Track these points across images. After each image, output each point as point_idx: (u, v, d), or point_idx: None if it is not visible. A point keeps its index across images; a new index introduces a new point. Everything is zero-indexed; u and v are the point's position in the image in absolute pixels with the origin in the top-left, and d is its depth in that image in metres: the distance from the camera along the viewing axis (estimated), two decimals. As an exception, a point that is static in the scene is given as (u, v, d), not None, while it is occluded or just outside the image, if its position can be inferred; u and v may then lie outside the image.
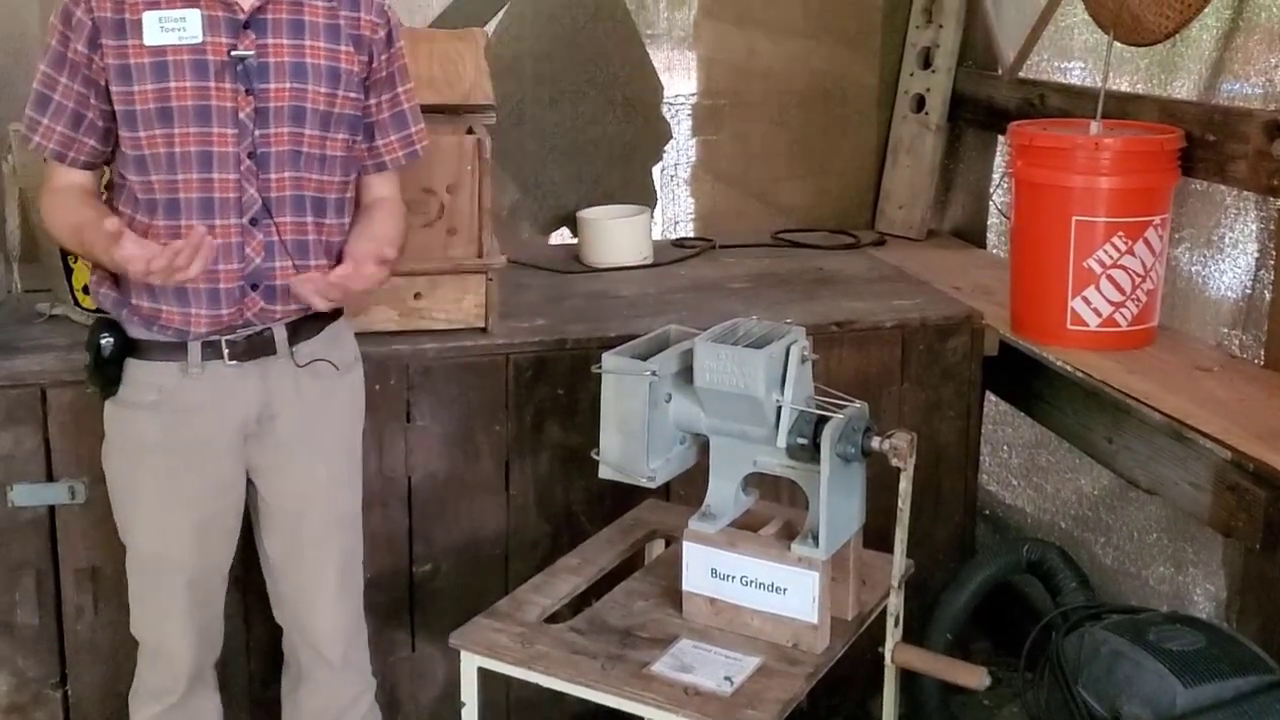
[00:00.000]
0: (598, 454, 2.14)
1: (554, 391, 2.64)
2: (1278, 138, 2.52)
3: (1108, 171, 2.69)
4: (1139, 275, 2.72)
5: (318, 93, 2.01)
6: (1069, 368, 2.79)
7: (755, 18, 3.69)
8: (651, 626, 2.10)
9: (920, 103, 3.74)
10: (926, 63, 3.74)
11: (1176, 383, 2.58)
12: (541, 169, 3.57)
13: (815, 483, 1.99)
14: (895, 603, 2.10)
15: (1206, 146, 2.71)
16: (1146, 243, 2.71)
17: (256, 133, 1.98)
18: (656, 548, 2.45)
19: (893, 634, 2.11)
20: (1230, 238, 2.76)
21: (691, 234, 3.74)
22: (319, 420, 2.13)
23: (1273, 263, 2.60)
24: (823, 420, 1.99)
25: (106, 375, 2.05)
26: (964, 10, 3.68)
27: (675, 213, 3.77)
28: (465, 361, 2.59)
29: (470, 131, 2.65)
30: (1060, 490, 3.27)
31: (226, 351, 2.03)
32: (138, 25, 1.93)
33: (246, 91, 1.96)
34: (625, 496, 2.47)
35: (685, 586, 2.12)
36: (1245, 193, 2.69)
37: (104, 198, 2.13)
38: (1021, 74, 3.48)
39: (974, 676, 2.05)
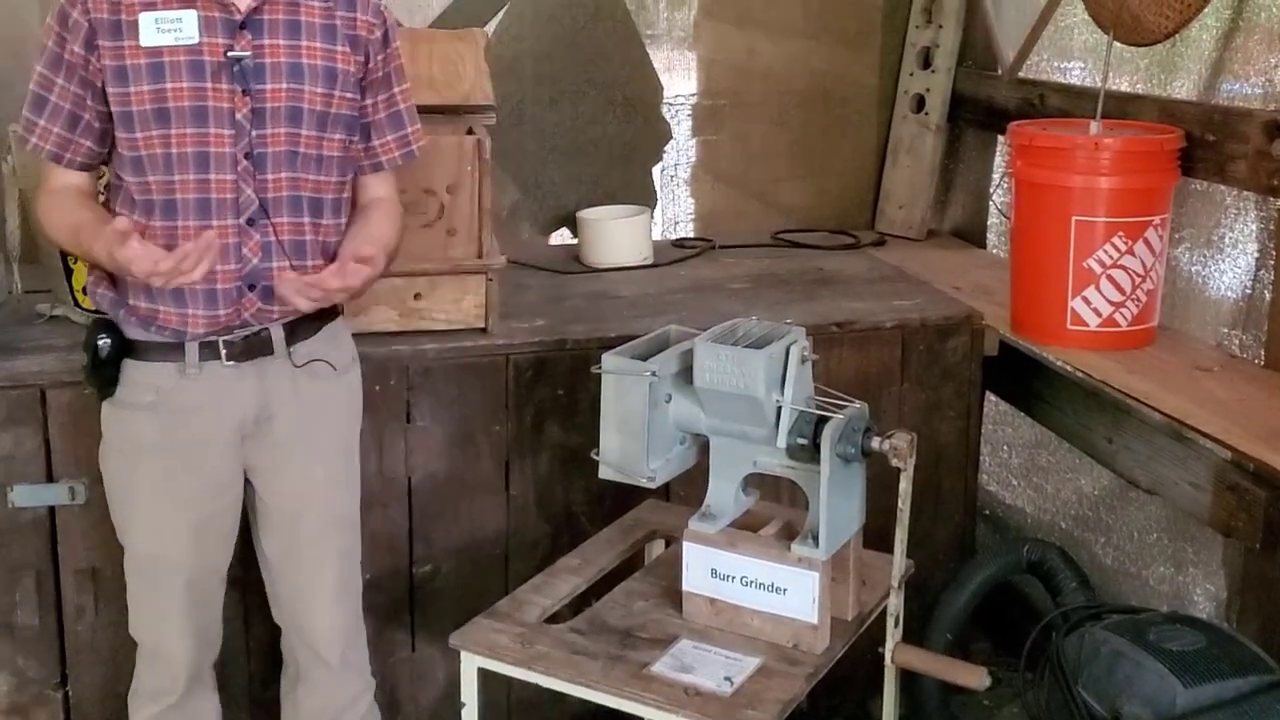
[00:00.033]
0: (598, 454, 2.14)
1: (554, 392, 2.64)
2: (1278, 138, 2.52)
3: (1108, 171, 2.69)
4: (1139, 275, 2.72)
5: (314, 93, 2.01)
6: (1069, 368, 2.79)
7: (755, 18, 3.69)
8: (651, 627, 2.10)
9: (920, 103, 3.74)
10: (926, 63, 3.74)
11: (1176, 383, 2.58)
12: (541, 169, 3.57)
13: (815, 483, 1.99)
14: (895, 603, 2.10)
15: (1206, 146, 2.71)
16: (1146, 243, 2.71)
17: (253, 133, 1.98)
18: (656, 548, 2.45)
19: (893, 634, 2.11)
20: (1230, 238, 2.76)
21: (691, 234, 3.74)
22: (317, 420, 2.13)
23: (1273, 263, 2.60)
24: (823, 420, 1.99)
25: (104, 376, 2.05)
26: (964, 10, 3.68)
27: (675, 213, 3.77)
28: (465, 362, 2.59)
29: (470, 132, 2.65)
30: (1060, 490, 3.27)
31: (224, 352, 2.03)
32: (134, 26, 1.93)
33: (243, 92, 1.96)
34: (625, 497, 2.47)
35: (685, 587, 2.12)
36: (1245, 193, 2.69)
37: (101, 199, 2.13)
38: (1021, 74, 3.48)
39: (974, 677, 2.05)
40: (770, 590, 2.04)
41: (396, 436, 2.55)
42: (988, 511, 3.50)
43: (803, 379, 2.05)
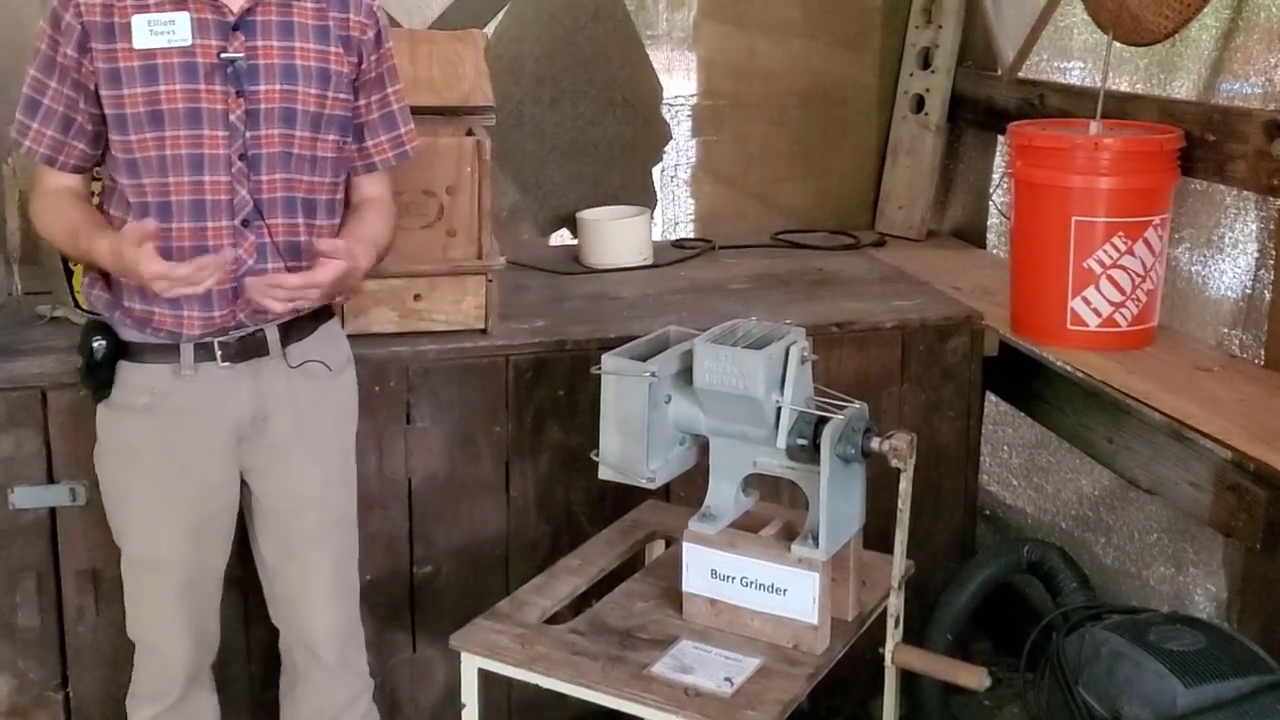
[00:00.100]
0: (598, 455, 2.15)
1: (554, 393, 2.64)
2: (1277, 137, 2.51)
3: (1107, 171, 2.69)
4: (1139, 275, 2.72)
5: (308, 94, 2.01)
6: (1069, 368, 2.79)
7: (755, 19, 3.69)
8: (652, 627, 2.10)
9: (920, 103, 3.74)
10: (926, 63, 3.74)
11: (1176, 383, 2.58)
12: (541, 170, 3.57)
13: (815, 483, 1.99)
14: (895, 603, 2.10)
15: (1206, 146, 2.71)
16: (1146, 243, 2.71)
17: (247, 134, 1.98)
18: (657, 549, 2.45)
19: (893, 634, 2.11)
20: (1230, 238, 2.76)
21: (691, 235, 3.74)
22: (312, 421, 2.14)
23: (1273, 262, 2.60)
24: (822, 421, 1.99)
25: (99, 378, 2.05)
26: (963, 10, 3.68)
27: (675, 213, 3.77)
28: (465, 363, 2.59)
29: (470, 133, 2.65)
30: (1060, 490, 3.27)
31: (219, 353, 2.03)
32: (127, 29, 1.93)
33: (237, 93, 1.96)
34: (625, 497, 2.47)
35: (685, 587, 2.12)
36: (1245, 192, 2.69)
37: (95, 200, 2.13)
38: (1021, 74, 3.48)
39: (974, 677, 2.05)
40: (770, 591, 2.04)
41: (396, 437, 2.55)
42: (988, 512, 3.50)
43: (802, 379, 2.05)
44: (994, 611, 2.87)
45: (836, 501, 2.00)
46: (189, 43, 1.94)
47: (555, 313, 2.84)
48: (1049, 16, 3.36)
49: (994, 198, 3.57)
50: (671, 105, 3.69)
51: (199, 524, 2.10)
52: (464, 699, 2.11)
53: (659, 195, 3.72)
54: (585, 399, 2.58)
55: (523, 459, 2.64)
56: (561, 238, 3.63)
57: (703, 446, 2.17)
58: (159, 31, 1.93)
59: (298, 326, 2.10)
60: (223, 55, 1.95)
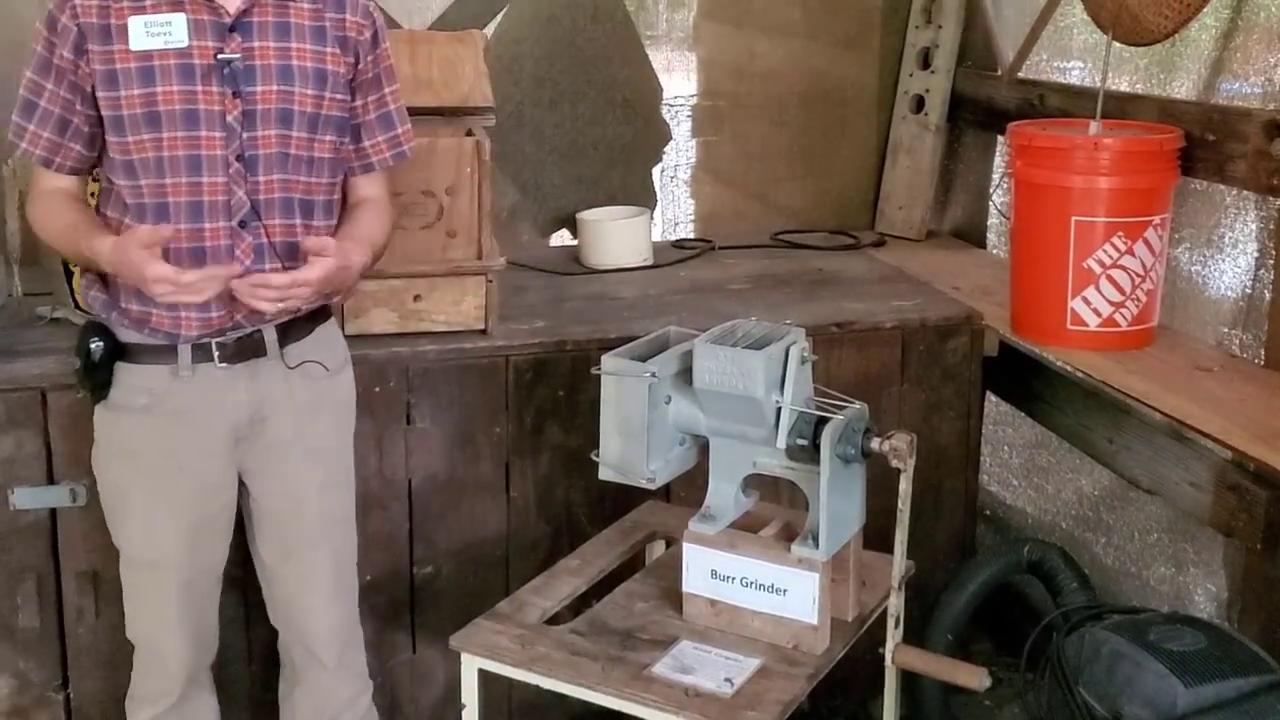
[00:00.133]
0: (598, 455, 2.15)
1: (554, 393, 2.64)
2: (1277, 137, 2.51)
3: (1107, 171, 2.69)
4: (1139, 275, 2.72)
5: (305, 95, 2.01)
6: (1069, 368, 2.79)
7: (755, 19, 3.69)
8: (652, 628, 2.10)
9: (920, 103, 3.74)
10: (926, 63, 3.74)
11: (1176, 383, 2.58)
12: (541, 171, 3.57)
13: (815, 484, 1.99)
14: (895, 603, 2.09)
15: (1206, 146, 2.71)
16: (1146, 243, 2.71)
17: (244, 135, 1.98)
18: (657, 549, 2.45)
19: (893, 635, 2.11)
20: (1230, 237, 2.76)
21: (691, 235, 3.74)
22: (310, 422, 2.14)
23: (1272, 262, 2.60)
24: (822, 421, 1.99)
25: (97, 379, 2.05)
26: (963, 10, 3.68)
27: (675, 214, 3.77)
28: (465, 363, 2.59)
29: (469, 134, 2.65)
30: (1061, 490, 3.27)
31: (216, 354, 2.03)
32: (123, 30, 1.93)
33: (234, 94, 1.96)
34: (625, 498, 2.47)
35: (685, 588, 2.12)
36: (1245, 192, 2.69)
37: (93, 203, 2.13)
38: (1021, 74, 3.48)
39: (974, 677, 2.05)
40: (770, 591, 2.04)
41: (396, 438, 2.56)
42: (988, 512, 3.50)
43: (802, 380, 2.05)
44: (994, 611, 2.87)
45: (836, 502, 2.00)
46: (185, 44, 1.94)
47: (555, 313, 2.84)
48: (1049, 16, 3.36)
49: (994, 198, 3.57)
50: (671, 105, 3.69)
51: (197, 525, 2.10)
52: (464, 699, 2.11)
53: (659, 196, 3.72)
54: (585, 399, 2.58)
55: (523, 459, 2.65)
56: (561, 238, 3.63)
57: (703, 447, 2.17)
58: (155, 33, 1.93)
59: (295, 327, 2.10)
60: (219, 56, 1.95)
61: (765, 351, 2.01)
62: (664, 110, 3.68)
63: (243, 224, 2.00)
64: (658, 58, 3.65)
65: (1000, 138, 3.46)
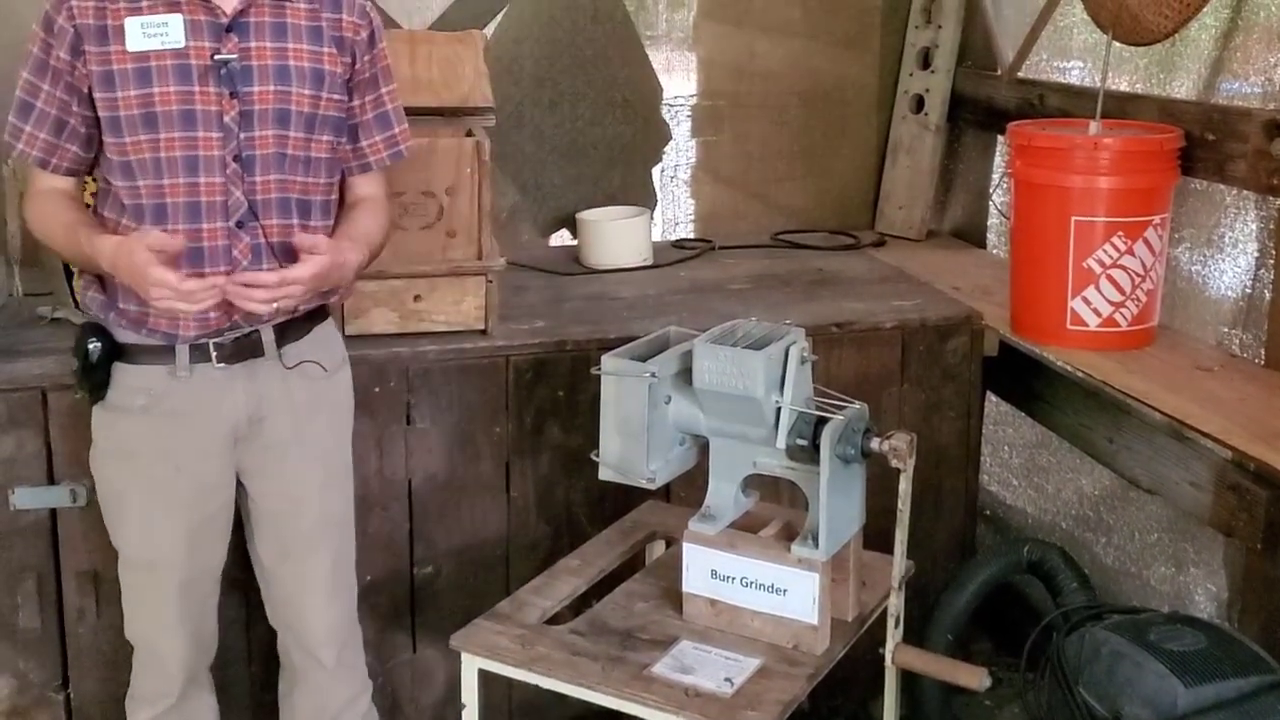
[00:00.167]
0: (598, 455, 2.15)
1: (554, 393, 2.64)
2: (1277, 137, 2.51)
3: (1107, 171, 2.69)
4: (1139, 275, 2.72)
5: (301, 95, 2.01)
6: (1069, 368, 2.79)
7: (755, 19, 3.69)
8: (652, 628, 2.10)
9: (919, 103, 3.74)
10: (926, 63, 3.74)
11: (1177, 382, 2.58)
12: (541, 171, 3.58)
13: (815, 484, 1.99)
14: (895, 603, 2.10)
15: (1206, 146, 2.71)
16: (1146, 243, 2.71)
17: (241, 136, 1.98)
18: (657, 549, 2.45)
19: (893, 635, 2.11)
20: (1230, 237, 2.76)
21: (691, 235, 3.74)
22: (308, 422, 2.13)
23: (1273, 262, 2.60)
24: (822, 421, 1.99)
25: (94, 380, 2.04)
26: (963, 10, 3.68)
27: (675, 214, 3.77)
28: (465, 364, 2.59)
29: (469, 134, 2.65)
30: (1061, 490, 3.27)
31: (214, 354, 2.03)
32: (120, 31, 1.93)
33: (231, 95, 1.96)
34: (625, 498, 2.47)
35: (685, 588, 2.12)
36: (1245, 192, 2.69)
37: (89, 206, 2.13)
38: (1021, 74, 3.48)
39: (974, 677, 2.05)
40: (770, 591, 2.04)
41: (397, 438, 2.56)
42: (988, 511, 3.50)
43: (802, 380, 2.05)
44: (994, 611, 2.87)
45: (836, 502, 2.00)
46: (182, 45, 1.94)
47: (555, 313, 2.84)
48: (1049, 16, 3.36)
49: (994, 198, 3.57)
50: (671, 106, 3.69)
51: (195, 525, 2.10)
52: (464, 699, 2.11)
53: (659, 196, 3.72)
54: (585, 399, 2.58)
55: (523, 459, 2.65)
56: (561, 238, 3.63)
57: (703, 447, 2.17)
58: (152, 34, 1.93)
59: (293, 327, 2.10)
60: (216, 57, 1.95)
61: (765, 351, 2.01)
62: (664, 110, 3.68)
63: (240, 224, 2.00)
64: (658, 58, 3.65)
65: (1000, 138, 3.46)
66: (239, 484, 2.15)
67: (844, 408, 2.02)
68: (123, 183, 1.98)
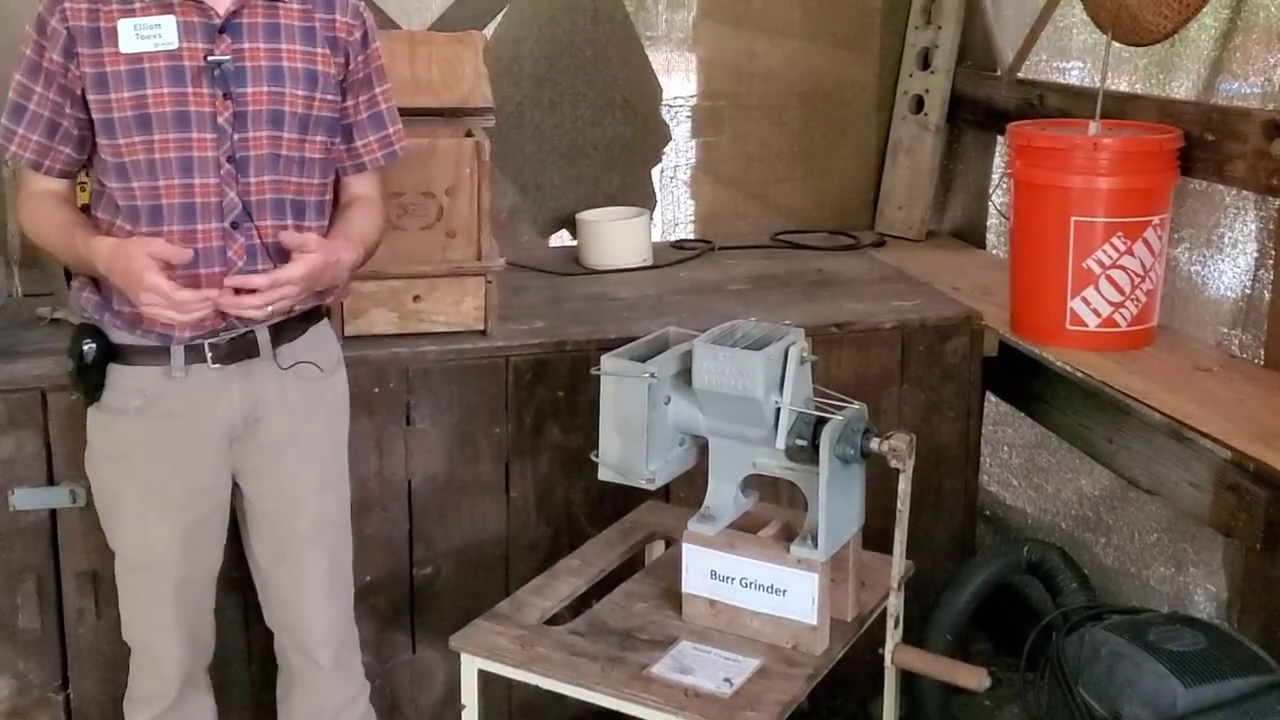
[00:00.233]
0: (597, 456, 2.15)
1: (553, 394, 2.64)
2: (1276, 137, 2.52)
3: (1106, 172, 2.69)
4: (1138, 275, 2.72)
5: (295, 96, 2.01)
6: (1069, 368, 2.79)
7: (754, 19, 3.70)
8: (651, 628, 2.10)
9: (919, 103, 3.74)
10: (925, 63, 3.74)
11: (1176, 383, 2.58)
12: (541, 171, 3.58)
13: (814, 484, 1.99)
14: (895, 604, 2.10)
15: (1205, 146, 2.71)
16: (1146, 243, 2.71)
17: (235, 137, 1.97)
18: (656, 549, 2.45)
19: (893, 635, 2.11)
20: (1230, 237, 2.76)
21: (691, 236, 3.74)
22: (304, 423, 2.13)
23: (1272, 262, 2.60)
24: (821, 422, 1.99)
25: (89, 381, 2.04)
26: (963, 11, 3.68)
27: (675, 214, 3.77)
28: (465, 364, 2.59)
29: (469, 134, 2.65)
30: (1060, 491, 3.27)
31: (209, 355, 2.03)
32: (113, 33, 1.93)
33: (224, 96, 1.96)
34: (625, 498, 2.47)
35: (685, 588, 2.12)
36: (1244, 192, 2.69)
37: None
38: (1020, 74, 3.48)
39: (974, 677, 2.05)
40: (770, 592, 2.04)
41: (396, 439, 2.56)
42: (988, 512, 3.50)
43: (802, 380, 2.05)
44: (994, 612, 2.87)
45: (836, 502, 2.00)
46: (175, 46, 1.93)
47: (555, 314, 2.84)
48: (1048, 17, 3.36)
49: (993, 198, 3.58)
50: (671, 106, 3.69)
51: (191, 526, 2.10)
52: (464, 700, 2.11)
53: (658, 196, 3.72)
54: (585, 400, 2.58)
55: (522, 460, 2.65)
56: (561, 239, 3.63)
57: (702, 447, 2.17)
58: (145, 35, 1.93)
59: (288, 328, 2.09)
60: (209, 58, 1.95)
61: (765, 352, 2.01)
62: (664, 111, 3.68)
63: (235, 225, 1.99)
64: (657, 58, 3.65)
65: (1000, 138, 3.46)
66: (235, 485, 2.14)
67: (843, 408, 2.02)
68: (117, 184, 1.98)
